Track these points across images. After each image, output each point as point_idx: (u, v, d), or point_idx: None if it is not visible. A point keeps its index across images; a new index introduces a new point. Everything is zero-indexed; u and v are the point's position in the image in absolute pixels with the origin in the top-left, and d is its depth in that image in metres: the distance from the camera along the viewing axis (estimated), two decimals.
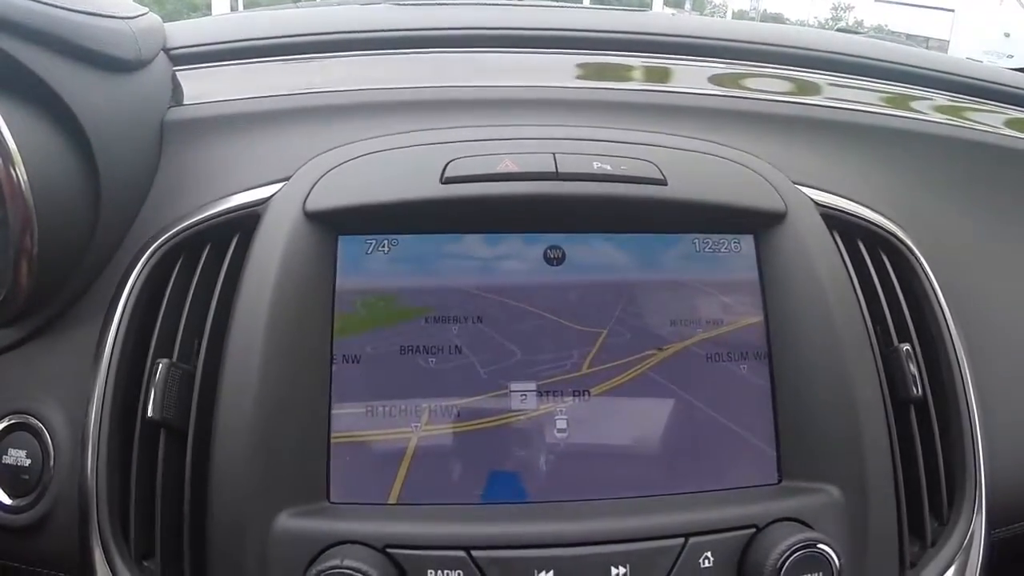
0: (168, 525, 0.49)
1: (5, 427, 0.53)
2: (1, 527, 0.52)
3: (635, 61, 0.72)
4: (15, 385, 0.54)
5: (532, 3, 0.96)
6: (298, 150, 0.55)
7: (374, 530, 0.45)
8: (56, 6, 0.50)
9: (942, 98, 0.76)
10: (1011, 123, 0.76)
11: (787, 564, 0.44)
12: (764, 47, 0.74)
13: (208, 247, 0.53)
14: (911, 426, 0.55)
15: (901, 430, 0.54)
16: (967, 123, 0.73)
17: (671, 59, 0.72)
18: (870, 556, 0.50)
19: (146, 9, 0.61)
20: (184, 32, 0.67)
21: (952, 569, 0.54)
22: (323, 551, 0.44)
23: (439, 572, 0.44)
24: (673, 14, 1.09)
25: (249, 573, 0.46)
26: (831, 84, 0.73)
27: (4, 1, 0.47)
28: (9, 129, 0.48)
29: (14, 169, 0.47)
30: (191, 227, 0.53)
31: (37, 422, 0.53)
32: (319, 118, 0.59)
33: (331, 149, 0.55)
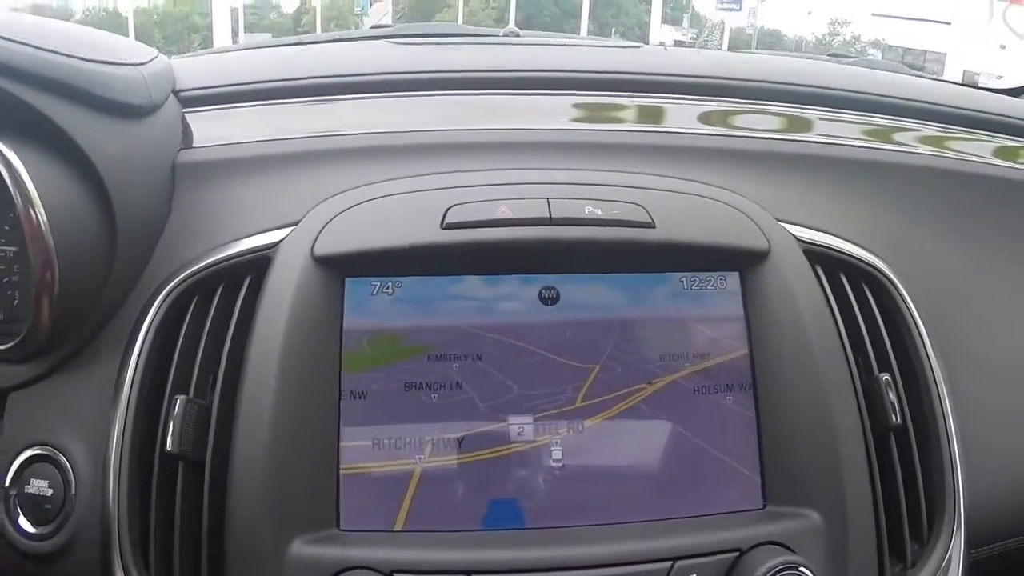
0: (186, 551, 0.52)
1: (27, 458, 0.55)
2: (25, 554, 0.54)
3: (627, 101, 0.75)
4: (37, 418, 0.57)
5: (527, 42, 0.99)
6: (305, 194, 0.58)
7: (381, 556, 0.48)
8: (73, 56, 0.53)
9: (930, 129, 0.79)
10: (1000, 152, 0.78)
11: None
12: (753, 84, 0.77)
13: (221, 288, 0.56)
14: (891, 453, 0.58)
15: (882, 456, 0.57)
16: (954, 154, 0.76)
17: (662, 98, 0.75)
18: None
19: (156, 52, 0.64)
20: (192, 73, 0.70)
21: None
22: None
23: None
24: (666, 48, 1.11)
25: None
26: (820, 119, 0.76)
27: (24, 53, 0.50)
28: (29, 174, 0.51)
29: (34, 211, 0.50)
30: (205, 268, 0.56)
31: (59, 454, 0.55)
32: (325, 162, 0.62)
33: (337, 194, 0.57)
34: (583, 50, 0.97)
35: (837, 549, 0.52)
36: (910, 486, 0.58)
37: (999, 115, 0.82)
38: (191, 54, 0.99)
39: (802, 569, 0.48)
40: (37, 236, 0.51)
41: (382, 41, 0.93)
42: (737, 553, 0.50)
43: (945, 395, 0.60)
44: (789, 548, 0.50)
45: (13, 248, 0.58)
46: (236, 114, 0.69)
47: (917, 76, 1.07)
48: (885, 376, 0.58)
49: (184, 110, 0.66)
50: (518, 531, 0.51)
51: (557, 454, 0.52)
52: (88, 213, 0.55)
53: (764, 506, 0.54)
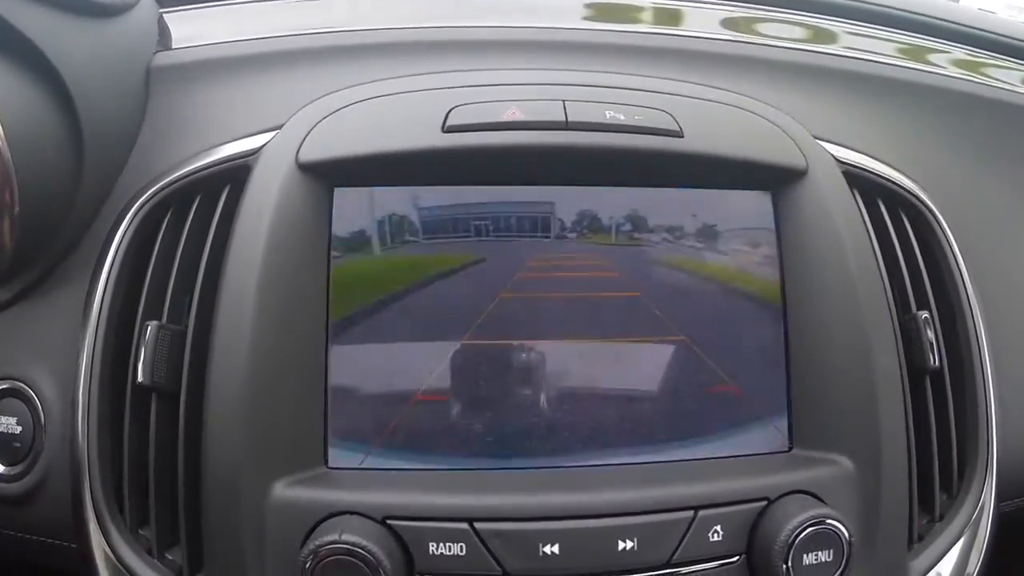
0: (162, 493, 0.48)
1: None
2: None
3: (647, 2, 0.69)
4: (2, 350, 0.53)
5: None
6: (291, 96, 0.53)
7: (373, 500, 0.44)
8: None
9: (960, 52, 0.74)
10: None
11: (798, 541, 0.44)
12: None
13: (198, 200, 0.51)
14: (925, 397, 0.54)
15: (914, 400, 0.53)
16: (987, 80, 0.71)
17: (687, 3, 0.69)
18: (880, 530, 0.49)
19: None
20: None
21: (960, 543, 0.54)
22: (320, 522, 0.43)
23: (441, 545, 0.43)
24: None
25: (246, 547, 0.45)
26: (847, 32, 0.70)
27: None
28: None
29: None
30: (179, 180, 0.51)
31: (27, 388, 0.51)
32: (313, 61, 0.57)
33: (325, 95, 0.52)
34: None
35: (868, 500, 0.49)
36: (942, 434, 0.54)
37: None
38: None
39: (831, 522, 0.44)
40: None
41: None
42: (765, 502, 0.46)
43: (983, 337, 0.56)
44: (819, 498, 0.47)
45: None
46: (218, 13, 0.64)
47: None
48: (924, 314, 0.54)
49: (161, 10, 0.61)
50: (523, 474, 0.47)
51: (569, 382, 0.48)
52: (51, 125, 0.50)
53: (790, 449, 0.50)
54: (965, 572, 0.54)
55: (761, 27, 0.69)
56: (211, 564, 0.46)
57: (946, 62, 0.71)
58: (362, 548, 0.40)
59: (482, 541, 0.43)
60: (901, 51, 0.70)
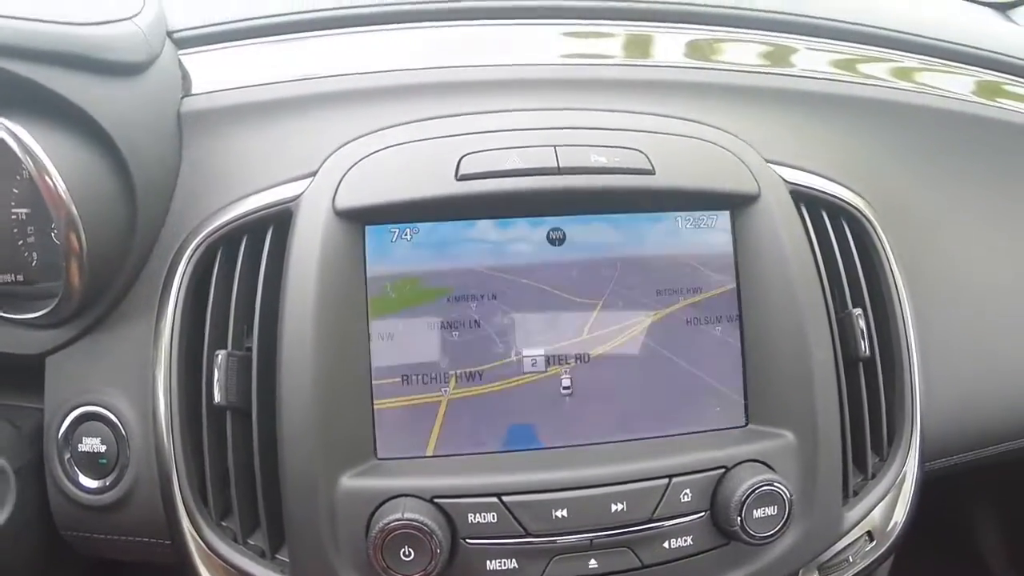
0: (242, 491, 0.60)
1: (76, 418, 0.62)
2: (89, 508, 0.62)
3: (619, 30, 0.78)
4: (78, 379, 0.63)
5: None
6: (317, 140, 0.63)
7: (421, 484, 0.57)
8: (64, 22, 0.54)
9: (913, 61, 0.83)
10: (980, 89, 0.83)
11: (748, 499, 0.57)
12: (742, 12, 0.80)
13: (245, 240, 0.62)
14: (859, 380, 0.67)
15: (851, 382, 0.66)
16: (936, 90, 0.80)
17: (652, 26, 0.79)
18: (818, 488, 0.63)
19: None
20: (183, 9, 0.71)
21: (888, 497, 0.68)
22: (381, 504, 0.56)
23: (478, 515, 0.56)
24: None
25: (322, 528, 0.57)
26: (808, 48, 0.80)
27: (19, 29, 0.53)
28: (40, 144, 0.55)
29: (51, 179, 0.55)
30: (229, 223, 0.62)
31: (105, 411, 0.62)
32: (332, 105, 0.66)
33: (350, 141, 0.63)
34: None
35: (808, 465, 0.62)
36: (874, 409, 0.68)
37: (982, 50, 0.86)
38: None
39: (776, 484, 0.58)
40: (57, 201, 0.55)
41: None
42: (723, 470, 0.60)
43: (911, 329, 0.70)
44: (768, 465, 0.60)
45: (25, 209, 0.63)
46: (232, 54, 0.71)
47: None
48: (857, 311, 0.67)
49: (179, 52, 0.68)
50: (538, 455, 0.60)
51: (566, 382, 0.61)
52: (104, 173, 0.59)
53: (746, 424, 0.63)
54: (892, 521, 0.69)
55: (725, 48, 0.78)
56: (293, 543, 0.58)
57: (895, 74, 0.79)
58: (420, 522, 0.53)
59: (508, 510, 0.56)
60: (853, 64, 0.79)
